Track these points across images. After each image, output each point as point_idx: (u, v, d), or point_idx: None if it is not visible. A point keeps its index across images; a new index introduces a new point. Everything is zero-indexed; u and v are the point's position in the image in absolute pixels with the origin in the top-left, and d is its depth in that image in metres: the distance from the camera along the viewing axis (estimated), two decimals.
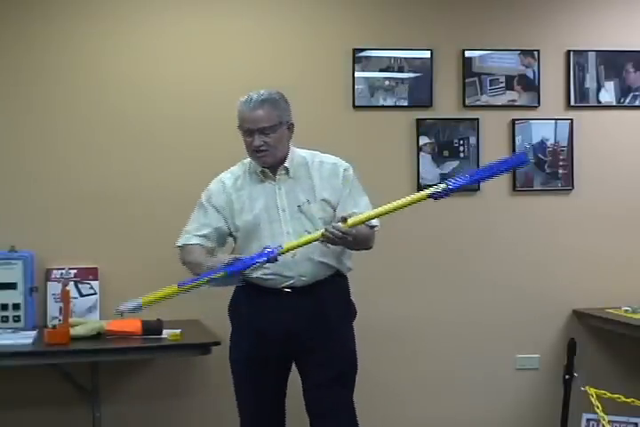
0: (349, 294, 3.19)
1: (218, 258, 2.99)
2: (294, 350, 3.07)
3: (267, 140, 2.99)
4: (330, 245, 2.89)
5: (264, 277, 3.04)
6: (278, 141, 3.02)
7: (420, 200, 2.84)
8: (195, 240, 3.13)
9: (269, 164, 3.05)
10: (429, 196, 2.83)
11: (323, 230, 2.84)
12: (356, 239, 2.91)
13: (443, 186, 2.82)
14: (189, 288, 2.84)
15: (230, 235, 3.16)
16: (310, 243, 2.88)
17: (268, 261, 2.83)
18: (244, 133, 3.04)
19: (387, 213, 2.86)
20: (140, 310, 2.84)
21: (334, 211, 3.07)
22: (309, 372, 3.10)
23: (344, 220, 2.83)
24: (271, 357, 3.05)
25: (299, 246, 2.88)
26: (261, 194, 3.09)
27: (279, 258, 2.85)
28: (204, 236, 3.13)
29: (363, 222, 2.88)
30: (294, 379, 3.13)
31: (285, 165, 3.07)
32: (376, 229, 3.11)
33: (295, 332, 3.02)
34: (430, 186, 4.00)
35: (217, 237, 3.15)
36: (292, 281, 3.02)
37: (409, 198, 2.85)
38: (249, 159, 3.15)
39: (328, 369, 3.06)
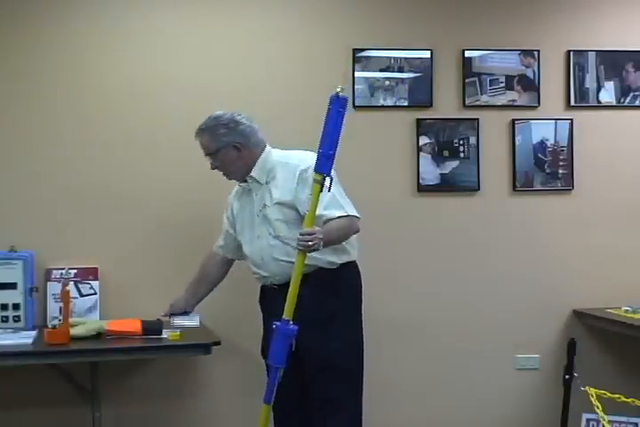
0: (340, 288, 3.24)
1: (176, 303, 3.56)
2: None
3: (217, 164, 3.31)
4: (321, 248, 2.97)
5: (254, 276, 3.34)
6: (226, 163, 3.29)
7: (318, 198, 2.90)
8: (215, 248, 3.58)
9: (238, 179, 3.35)
10: (322, 189, 2.89)
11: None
12: (331, 232, 3.06)
13: (318, 178, 2.87)
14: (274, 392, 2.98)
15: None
16: (301, 265, 2.94)
17: (291, 330, 2.91)
18: None
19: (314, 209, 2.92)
20: None
21: (296, 211, 3.17)
22: (299, 368, 3.19)
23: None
24: None
25: (299, 278, 2.94)
26: (247, 202, 3.35)
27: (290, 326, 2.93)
28: (222, 246, 3.54)
29: (313, 215, 2.93)
30: None
31: (251, 174, 3.28)
32: (344, 215, 3.15)
33: None
34: (430, 186, 4.10)
35: (234, 245, 3.46)
36: (270, 280, 3.28)
37: (314, 201, 2.90)
38: None
39: (309, 367, 3.21)
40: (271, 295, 3.31)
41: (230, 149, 3.27)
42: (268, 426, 3.09)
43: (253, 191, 3.31)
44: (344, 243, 3.23)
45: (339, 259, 3.25)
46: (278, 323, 2.93)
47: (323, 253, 3.14)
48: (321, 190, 2.88)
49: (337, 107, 2.86)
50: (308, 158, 3.15)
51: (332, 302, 3.23)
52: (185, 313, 3.56)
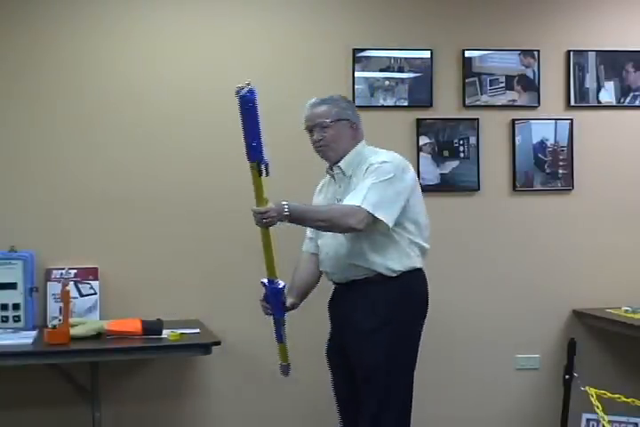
0: (392, 299, 3.10)
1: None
2: (343, 342, 3.19)
3: (324, 135, 3.13)
4: (286, 221, 2.94)
5: (322, 270, 3.28)
6: (337, 137, 3.14)
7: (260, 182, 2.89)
8: (305, 245, 3.36)
9: (332, 159, 3.17)
10: (260, 174, 2.87)
11: None
12: (304, 211, 2.97)
13: (254, 164, 2.85)
14: (284, 334, 3.18)
15: None
16: (266, 238, 2.96)
17: (278, 288, 3.05)
18: (308, 134, 3.21)
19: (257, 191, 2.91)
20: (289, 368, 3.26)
21: None
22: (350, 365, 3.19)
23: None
24: (336, 346, 3.23)
25: (268, 248, 2.98)
26: (330, 192, 3.25)
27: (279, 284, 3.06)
28: (310, 238, 3.34)
29: (261, 196, 2.89)
30: None
31: (339, 164, 3.17)
32: (350, 204, 2.99)
33: (339, 325, 3.22)
34: (430, 186, 4.10)
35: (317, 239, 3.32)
36: (330, 277, 3.23)
37: (256, 184, 2.89)
38: None
39: (356, 368, 3.14)
40: (336, 295, 3.27)
41: (348, 124, 3.16)
42: (287, 360, 3.23)
43: (337, 182, 3.20)
44: (406, 247, 3.13)
45: (400, 265, 3.11)
46: (265, 281, 3.04)
47: (384, 257, 3.08)
48: (260, 175, 2.86)
49: (244, 106, 2.82)
50: (385, 155, 3.14)
51: (384, 312, 3.08)
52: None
